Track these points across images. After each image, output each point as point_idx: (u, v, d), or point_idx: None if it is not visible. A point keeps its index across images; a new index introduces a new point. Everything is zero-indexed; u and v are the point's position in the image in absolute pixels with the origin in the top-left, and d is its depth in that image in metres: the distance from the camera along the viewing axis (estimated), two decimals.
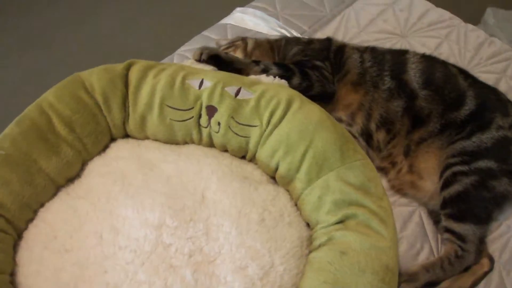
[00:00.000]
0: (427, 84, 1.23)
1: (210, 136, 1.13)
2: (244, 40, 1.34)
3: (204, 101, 1.10)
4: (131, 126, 1.14)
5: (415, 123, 1.21)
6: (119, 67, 1.14)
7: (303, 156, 1.04)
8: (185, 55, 1.49)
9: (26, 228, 1.04)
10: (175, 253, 0.96)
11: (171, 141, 1.16)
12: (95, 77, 1.12)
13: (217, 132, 1.11)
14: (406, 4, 1.69)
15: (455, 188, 1.10)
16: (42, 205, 1.06)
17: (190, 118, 1.12)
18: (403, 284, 1.04)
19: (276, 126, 1.07)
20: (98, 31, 2.41)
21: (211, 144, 1.15)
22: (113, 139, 1.17)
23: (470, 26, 1.65)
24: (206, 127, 1.12)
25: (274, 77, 1.16)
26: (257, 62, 1.24)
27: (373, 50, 1.30)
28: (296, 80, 1.19)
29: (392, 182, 1.21)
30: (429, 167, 1.18)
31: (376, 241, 0.95)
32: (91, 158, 1.13)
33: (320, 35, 1.46)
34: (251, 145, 1.10)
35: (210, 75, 1.13)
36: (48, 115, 1.07)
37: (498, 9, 2.27)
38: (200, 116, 1.11)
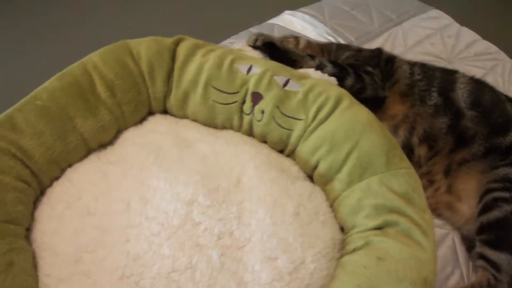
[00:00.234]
0: (474, 105, 1.19)
1: (250, 124, 1.08)
2: (296, 38, 1.31)
3: (251, 87, 1.06)
4: (172, 101, 1.09)
5: (459, 143, 1.17)
6: (169, 40, 1.11)
7: (347, 156, 0.99)
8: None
9: (50, 185, 0.98)
10: (204, 232, 0.90)
11: (210, 123, 1.11)
12: (143, 46, 1.08)
13: (259, 121, 1.07)
14: (454, 32, 1.67)
15: (495, 214, 1.05)
16: (70, 165, 1.01)
17: (233, 103, 1.07)
18: None
19: (322, 122, 1.02)
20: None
21: (250, 133, 1.10)
22: (150, 113, 1.12)
23: None
24: (248, 114, 1.08)
25: (324, 74, 1.13)
26: (312, 57, 1.20)
27: (423, 65, 1.27)
28: (349, 81, 1.16)
29: (428, 201, 1.15)
30: (468, 190, 1.13)
31: (417, 252, 0.90)
32: (126, 127, 1.08)
33: (367, 47, 1.42)
34: (293, 139, 1.05)
35: (260, 63, 1.10)
36: (91, 75, 1.02)
37: None
38: (244, 102, 1.07)
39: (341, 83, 1.15)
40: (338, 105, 1.03)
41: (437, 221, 1.15)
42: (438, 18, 1.60)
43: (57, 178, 0.99)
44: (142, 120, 1.10)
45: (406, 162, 1.00)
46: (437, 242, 1.10)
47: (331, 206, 1.02)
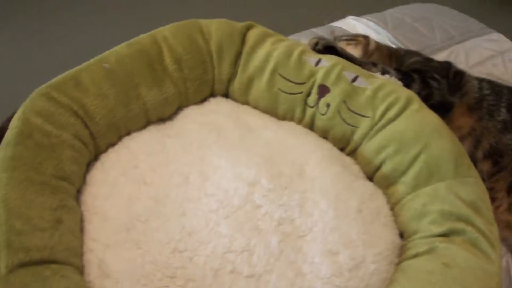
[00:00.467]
0: None
1: (313, 118, 1.03)
2: (366, 38, 1.28)
3: (319, 79, 1.01)
4: (236, 85, 1.05)
5: None
6: (240, 24, 1.08)
7: (415, 158, 0.94)
8: None
9: (105, 151, 0.94)
10: (264, 216, 0.85)
11: (271, 112, 1.06)
12: (214, 26, 1.05)
13: (323, 115, 1.02)
14: None
15: None
16: (128, 133, 0.97)
17: (298, 93, 1.02)
18: None
19: (390, 121, 0.96)
20: None
21: (311, 127, 1.05)
22: (211, 95, 1.09)
23: None
24: (312, 107, 1.04)
25: (391, 77, 1.10)
26: (374, 64, 1.16)
27: (490, 82, 1.23)
28: (415, 87, 1.11)
29: None
30: None
31: (484, 263, 0.83)
32: (187, 105, 1.04)
33: None
34: (356, 136, 1.00)
35: (329, 57, 1.07)
36: (160, 46, 0.98)
37: None
38: (309, 94, 1.02)
39: None
40: (408, 106, 0.98)
41: None
42: (499, 42, 1.56)
43: (112, 144, 0.95)
44: (203, 100, 1.07)
45: (474, 171, 0.95)
46: None
47: (392, 209, 0.97)
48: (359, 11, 1.55)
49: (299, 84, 1.01)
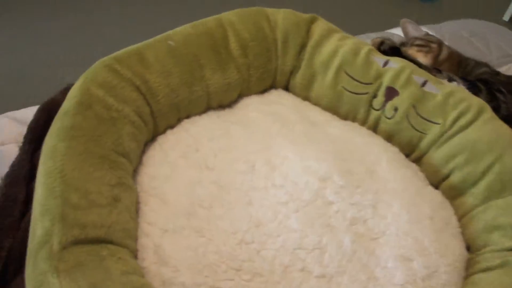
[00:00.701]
0: None
1: (377, 121, 0.96)
2: (440, 46, 1.20)
3: (386, 81, 0.94)
4: (298, 79, 0.98)
5: None
6: (305, 16, 1.04)
7: (487, 169, 0.87)
8: None
9: (163, 132, 0.89)
10: (336, 213, 0.78)
11: (333, 110, 0.99)
12: (280, 16, 1.00)
13: (389, 118, 0.96)
14: None
15: None
16: (188, 116, 0.90)
17: (364, 93, 0.95)
18: None
19: (462, 129, 0.89)
20: None
21: (374, 130, 0.98)
22: (271, 87, 1.03)
23: None
24: (377, 110, 0.97)
25: (459, 85, 1.05)
26: (439, 70, 1.09)
27: None
28: (481, 97, 1.06)
29: None
30: None
31: None
32: (248, 94, 0.97)
33: None
34: (424, 143, 0.93)
35: (396, 59, 1.02)
36: (226, 30, 0.92)
37: None
38: (375, 95, 0.95)
39: None
40: (480, 115, 0.93)
41: None
42: None
43: (171, 126, 0.89)
44: (263, 91, 1.01)
45: None
46: None
47: (459, 221, 0.91)
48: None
49: (365, 84, 0.96)
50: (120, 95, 0.79)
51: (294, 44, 0.97)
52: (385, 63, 0.97)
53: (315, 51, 0.98)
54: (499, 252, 0.81)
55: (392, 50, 1.08)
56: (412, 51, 1.15)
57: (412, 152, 0.96)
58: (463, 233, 0.88)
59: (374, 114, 0.97)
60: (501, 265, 0.79)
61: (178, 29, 0.90)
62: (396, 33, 1.47)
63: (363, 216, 0.78)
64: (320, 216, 0.76)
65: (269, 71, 0.96)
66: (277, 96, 0.99)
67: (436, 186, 0.93)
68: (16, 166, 0.87)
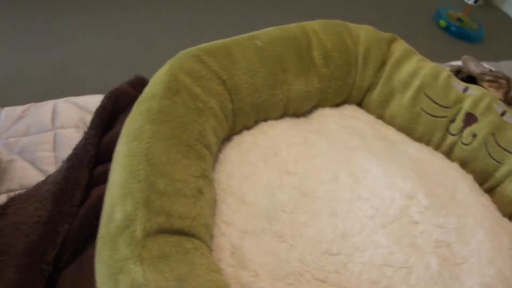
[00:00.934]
0: None
1: (452, 146, 0.92)
2: (509, 82, 1.21)
3: (466, 106, 0.90)
4: (375, 97, 0.95)
5: None
6: (385, 34, 1.01)
7: None
8: None
9: (239, 133, 0.86)
10: (421, 234, 0.73)
11: (407, 131, 0.95)
12: (362, 31, 0.97)
13: (466, 145, 0.91)
14: None
15: None
16: (265, 119, 0.87)
17: (442, 117, 0.91)
18: None
19: None
20: None
21: (448, 155, 0.94)
22: (345, 102, 0.99)
23: None
24: (453, 135, 0.93)
25: None
26: (511, 105, 1.10)
27: None
28: None
29: None
30: None
31: None
32: (323, 105, 0.94)
33: None
34: (499, 173, 0.88)
35: (475, 87, 1.00)
36: (310, 37, 0.88)
37: None
38: (453, 120, 0.92)
39: None
40: None
41: None
42: None
43: (247, 128, 0.86)
44: (337, 105, 0.99)
45: None
46: None
47: None
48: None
49: (445, 107, 0.93)
50: (207, 87, 0.76)
51: (375, 60, 0.94)
52: (465, 89, 0.95)
53: (394, 69, 0.95)
54: None
55: (469, 79, 1.06)
56: (484, 86, 1.13)
57: (485, 181, 0.91)
58: None
59: (450, 139, 0.93)
60: None
61: (264, 30, 0.88)
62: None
63: (448, 240, 0.73)
64: (406, 235, 0.71)
65: (347, 85, 0.93)
66: (352, 111, 0.95)
67: (508, 217, 0.89)
68: (80, 150, 0.83)
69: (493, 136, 0.90)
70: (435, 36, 2.53)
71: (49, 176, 0.84)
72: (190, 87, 0.74)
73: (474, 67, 1.18)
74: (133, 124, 0.69)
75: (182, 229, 0.62)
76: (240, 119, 0.81)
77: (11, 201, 0.80)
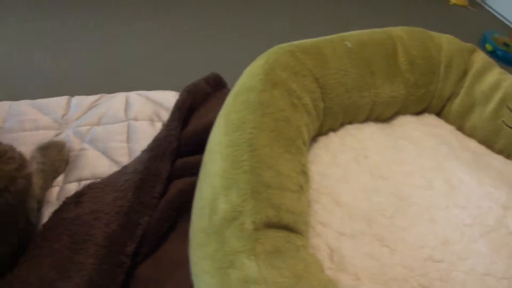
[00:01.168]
0: None
1: None
2: None
3: None
4: (455, 106, 0.92)
5: None
6: (466, 44, 0.99)
7: None
8: None
9: (324, 134, 0.82)
10: None
11: (486, 143, 0.92)
12: (445, 39, 0.95)
13: None
14: None
15: None
16: (350, 122, 0.85)
17: None
18: None
19: None
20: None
21: None
22: (424, 111, 0.96)
23: None
24: None
25: None
26: None
27: None
28: None
29: None
30: None
31: None
32: (404, 113, 0.91)
33: None
34: None
35: None
36: (396, 43, 0.86)
37: None
38: None
39: None
40: None
41: None
42: None
43: (333, 129, 0.84)
44: (417, 113, 0.97)
45: None
46: None
47: None
48: None
49: None
50: (301, 83, 0.74)
51: (457, 69, 0.92)
52: None
53: (476, 79, 0.93)
54: None
55: None
56: None
57: None
58: None
59: None
60: None
61: (352, 32, 0.86)
62: None
63: None
64: (505, 245, 0.68)
65: (428, 93, 0.91)
66: (433, 120, 0.93)
67: None
68: (161, 141, 0.81)
69: None
70: None
71: (125, 167, 0.82)
72: (286, 82, 0.72)
73: None
74: (233, 114, 0.67)
75: (288, 225, 0.59)
76: (329, 119, 0.78)
77: (87, 189, 0.78)
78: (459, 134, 0.92)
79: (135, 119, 0.90)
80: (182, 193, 0.78)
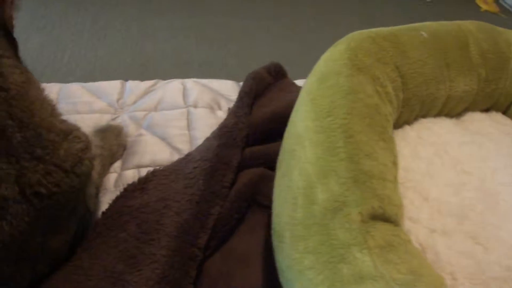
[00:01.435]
0: None
1: None
2: None
3: None
4: None
5: None
6: None
7: None
8: None
9: (400, 127, 0.79)
10: None
11: None
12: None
13: None
14: None
15: None
16: (423, 115, 0.81)
17: None
18: None
19: None
20: None
21: None
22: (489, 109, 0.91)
23: None
24: None
25: None
26: None
27: None
28: None
29: None
30: None
31: None
32: (472, 109, 0.86)
33: None
34: None
35: None
36: (467, 36, 0.81)
37: None
38: None
39: None
40: None
41: None
42: None
43: (407, 122, 0.80)
44: (485, 110, 0.93)
45: None
46: None
47: None
48: None
49: None
50: (384, 70, 0.70)
51: None
52: None
53: None
54: None
55: None
56: None
57: None
58: None
59: None
60: None
61: (425, 23, 0.82)
62: None
63: None
64: None
65: (498, 89, 0.87)
66: (501, 118, 0.89)
67: None
68: (231, 128, 0.76)
69: None
70: None
71: (189, 154, 0.77)
72: (370, 68, 0.68)
73: None
74: (320, 99, 0.62)
75: (391, 217, 0.55)
76: (406, 111, 0.74)
77: (151, 176, 0.73)
78: None
79: (194, 106, 0.86)
80: (252, 183, 0.73)
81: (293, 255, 0.53)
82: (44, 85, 0.61)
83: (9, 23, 0.61)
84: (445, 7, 2.73)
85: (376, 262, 0.48)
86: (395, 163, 0.62)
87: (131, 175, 0.74)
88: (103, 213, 0.69)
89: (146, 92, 0.89)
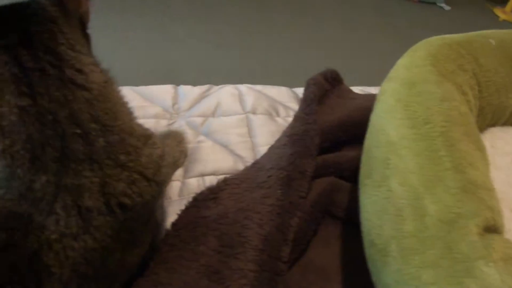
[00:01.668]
0: None
1: None
2: None
3: None
4: None
5: None
6: None
7: None
8: None
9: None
10: None
11: None
12: None
13: None
14: None
15: None
16: (493, 124, 0.80)
17: None
18: None
19: None
20: None
21: None
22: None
23: None
24: None
25: None
26: None
27: None
28: None
29: None
30: None
31: None
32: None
33: None
34: None
35: None
36: None
37: None
38: None
39: None
40: None
41: None
42: None
43: (480, 132, 0.78)
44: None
45: None
46: None
47: None
48: None
49: None
50: (464, 78, 0.68)
51: None
52: None
53: None
54: None
55: None
56: None
57: None
58: None
59: None
60: None
61: (491, 31, 0.81)
62: None
63: None
64: None
65: None
66: None
67: None
68: (302, 136, 0.73)
69: None
70: None
71: (257, 162, 0.73)
72: (452, 75, 0.66)
73: None
74: (413, 106, 0.60)
75: (499, 228, 0.52)
76: (479, 120, 0.72)
77: (223, 185, 0.69)
78: None
79: (253, 113, 0.82)
80: (326, 193, 0.70)
81: (406, 270, 0.50)
82: None
83: (85, 17, 0.57)
84: (464, 16, 2.76)
85: (502, 275, 0.45)
86: (487, 175, 0.59)
87: (195, 184, 0.70)
88: (173, 224, 0.64)
89: (201, 97, 0.84)
